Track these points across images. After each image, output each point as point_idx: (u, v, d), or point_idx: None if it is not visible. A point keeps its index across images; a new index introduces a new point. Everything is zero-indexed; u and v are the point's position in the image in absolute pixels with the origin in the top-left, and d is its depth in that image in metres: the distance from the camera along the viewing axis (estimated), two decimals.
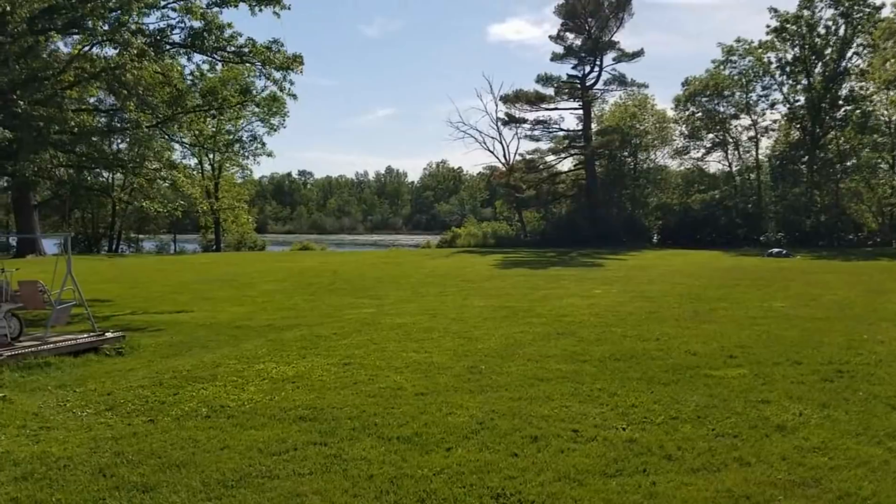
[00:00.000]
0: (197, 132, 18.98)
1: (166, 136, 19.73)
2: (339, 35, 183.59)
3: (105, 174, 36.39)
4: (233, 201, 55.00)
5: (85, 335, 11.93)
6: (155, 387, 8.95)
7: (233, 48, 18.37)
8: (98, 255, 44.55)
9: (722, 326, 13.46)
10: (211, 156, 54.81)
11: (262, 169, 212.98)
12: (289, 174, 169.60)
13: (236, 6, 21.24)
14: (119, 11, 18.05)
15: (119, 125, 15.02)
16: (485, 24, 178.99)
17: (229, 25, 18.90)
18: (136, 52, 15.97)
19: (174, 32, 18.05)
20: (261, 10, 21.54)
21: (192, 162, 55.44)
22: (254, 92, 18.90)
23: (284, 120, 54.99)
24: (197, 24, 18.15)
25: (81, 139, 17.11)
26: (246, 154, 55.87)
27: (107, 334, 12.05)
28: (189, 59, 19.06)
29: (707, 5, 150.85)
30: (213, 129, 52.85)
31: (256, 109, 54.66)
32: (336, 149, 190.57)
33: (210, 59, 18.70)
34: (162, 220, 53.57)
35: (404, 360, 10.47)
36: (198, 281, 25.65)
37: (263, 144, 54.46)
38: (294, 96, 19.80)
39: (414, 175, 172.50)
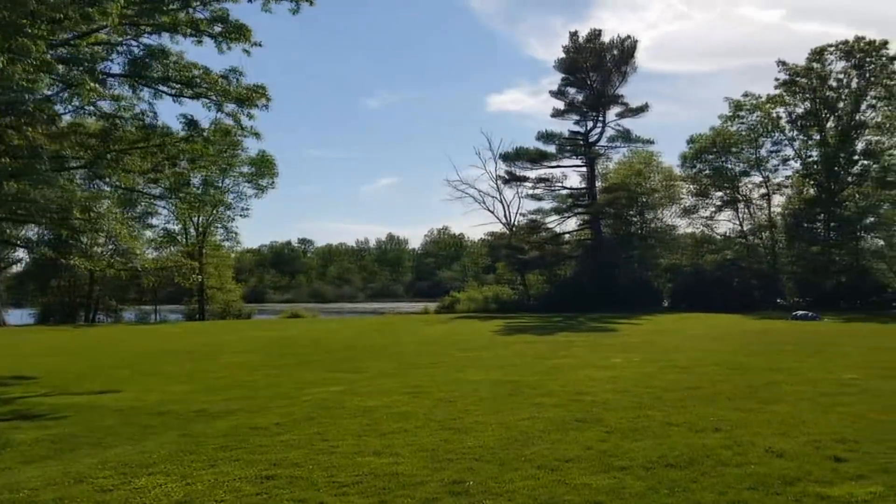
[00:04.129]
0: (133, 173, 15.98)
1: (96, 179, 16.78)
2: (340, 107, 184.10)
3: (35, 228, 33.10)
4: (218, 268, 52.05)
5: None
6: None
7: (180, 78, 15.54)
8: (65, 326, 41.26)
9: (795, 408, 10.16)
10: (196, 219, 52.05)
11: (259, 232, 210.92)
12: (288, 243, 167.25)
13: (199, 42, 18.56)
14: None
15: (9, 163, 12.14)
16: (484, 94, 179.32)
17: (177, 54, 16.11)
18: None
19: (113, 60, 15.37)
20: (229, 48, 18.81)
21: (177, 227, 52.82)
22: (202, 126, 15.90)
23: (273, 181, 52.55)
24: (137, 50, 15.44)
25: None
26: (232, 216, 53.24)
27: None
28: (135, 93, 16.26)
29: (706, 74, 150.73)
30: (198, 187, 50.75)
31: (246, 170, 52.45)
32: (337, 217, 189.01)
33: (155, 90, 15.86)
34: (143, 289, 50.56)
35: (356, 469, 7.18)
36: (155, 353, 22.35)
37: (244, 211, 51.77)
38: (257, 135, 16.88)
39: (415, 242, 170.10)
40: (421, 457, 7.63)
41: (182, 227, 52.59)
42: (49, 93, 16.23)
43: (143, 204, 48.34)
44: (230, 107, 15.93)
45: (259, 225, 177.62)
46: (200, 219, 52.34)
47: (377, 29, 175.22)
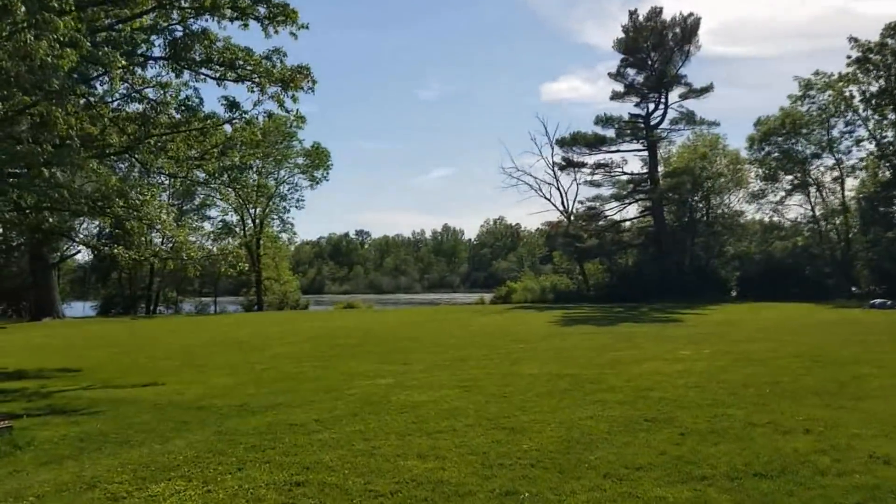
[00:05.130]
0: (180, 158, 15.42)
1: (139, 164, 16.32)
2: (395, 99, 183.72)
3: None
4: (275, 259, 52.14)
5: None
6: None
7: (222, 60, 14.93)
8: (123, 318, 41.66)
9: (891, 405, 9.00)
10: (253, 211, 52.18)
11: (317, 224, 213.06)
12: (346, 234, 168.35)
13: (245, 25, 17.97)
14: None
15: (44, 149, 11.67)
16: (538, 83, 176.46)
17: (220, 38, 15.49)
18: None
19: (154, 43, 14.86)
20: (276, 32, 18.18)
21: (234, 218, 53.02)
22: (244, 108, 15.30)
23: (328, 172, 52.27)
24: (178, 32, 14.89)
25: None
26: (287, 207, 53.25)
27: None
28: (178, 76, 15.74)
29: (769, 57, 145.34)
30: (254, 182, 50.85)
31: (300, 162, 52.32)
32: (393, 209, 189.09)
33: (196, 73, 15.31)
34: (204, 281, 50.98)
35: (396, 476, 6.37)
36: (206, 344, 22.01)
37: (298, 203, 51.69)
38: (302, 118, 16.23)
39: (471, 233, 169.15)
40: (469, 461, 6.78)
41: (240, 219, 52.80)
42: (87, 76, 15.90)
43: (201, 195, 48.72)
44: (273, 89, 15.23)
45: (317, 217, 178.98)
46: (257, 210, 52.44)
47: (431, 20, 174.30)
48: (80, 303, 51.99)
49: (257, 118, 15.65)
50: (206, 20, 17.85)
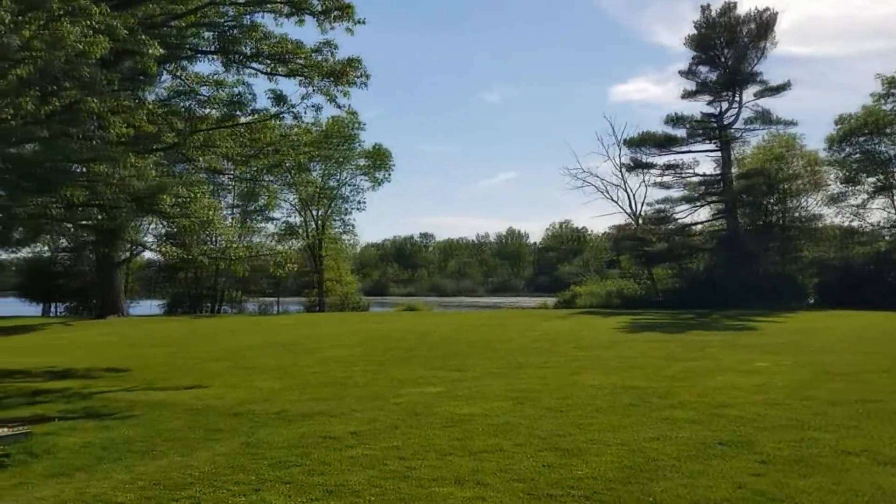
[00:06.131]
0: (230, 155, 14.99)
1: (185, 160, 15.94)
2: (459, 103, 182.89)
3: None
4: (336, 260, 52.03)
5: None
6: None
7: (273, 53, 14.43)
8: (186, 317, 42.01)
9: None
10: (315, 212, 52.19)
11: (382, 227, 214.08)
12: (410, 237, 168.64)
13: (301, 21, 17.49)
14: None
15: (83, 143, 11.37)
16: (607, 85, 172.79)
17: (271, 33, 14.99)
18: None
19: (203, 37, 14.44)
20: (332, 28, 17.66)
21: (297, 219, 53.15)
22: (291, 100, 14.80)
23: (389, 173, 51.91)
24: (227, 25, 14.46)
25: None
26: (349, 209, 53.08)
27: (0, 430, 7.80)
28: (227, 71, 15.35)
29: (846, 57, 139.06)
30: (318, 183, 50.87)
31: (362, 163, 52.11)
32: (457, 213, 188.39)
33: (245, 66, 14.86)
34: (267, 281, 51.20)
35: None
36: (258, 345, 21.63)
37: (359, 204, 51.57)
38: (354, 114, 15.66)
39: (535, 236, 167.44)
40: (514, 490, 5.92)
41: (303, 221, 52.88)
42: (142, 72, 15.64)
43: (265, 196, 48.92)
44: (323, 83, 14.64)
45: (382, 220, 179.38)
46: (319, 212, 52.46)
47: (495, 22, 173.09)
48: (149, 301, 52.82)
49: (305, 113, 15.08)
50: (262, 17, 17.53)
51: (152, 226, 42.98)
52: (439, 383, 12.71)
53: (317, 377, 14.17)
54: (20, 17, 10.51)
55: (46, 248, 46.13)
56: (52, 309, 46.84)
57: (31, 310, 46.73)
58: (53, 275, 45.92)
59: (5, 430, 7.81)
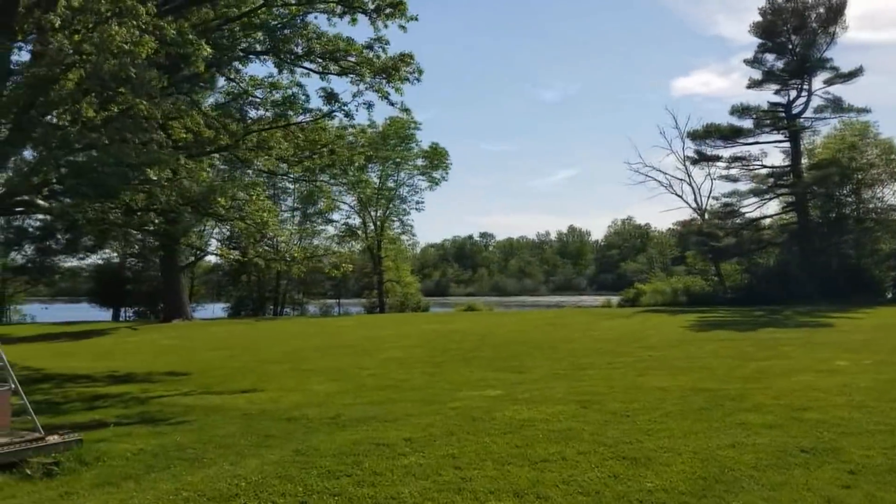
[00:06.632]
0: (284, 156, 14.87)
1: (240, 162, 15.88)
2: (516, 101, 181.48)
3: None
4: (395, 261, 52.01)
5: (16, 439, 7.62)
6: None
7: (324, 52, 14.23)
8: (249, 319, 42.44)
9: None
10: (374, 213, 52.28)
11: (442, 227, 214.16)
12: (470, 237, 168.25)
13: (354, 20, 17.28)
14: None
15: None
16: (668, 78, 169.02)
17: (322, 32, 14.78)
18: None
19: (255, 38, 14.34)
20: (385, 26, 17.40)
21: (356, 221, 53.31)
22: (342, 99, 14.58)
23: (446, 172, 51.64)
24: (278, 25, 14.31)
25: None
26: (407, 210, 53.03)
27: (50, 438, 7.68)
28: (280, 72, 15.23)
29: None
30: (376, 185, 50.95)
31: (419, 163, 51.99)
32: (517, 211, 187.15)
33: (297, 66, 14.70)
34: (328, 283, 51.53)
35: None
36: (317, 347, 21.54)
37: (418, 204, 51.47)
38: (407, 110, 15.29)
39: (597, 234, 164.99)
40: None
41: (362, 222, 53.00)
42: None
43: (324, 200, 49.21)
44: (374, 79, 14.38)
45: (441, 220, 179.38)
46: (378, 213, 52.52)
47: (552, 17, 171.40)
48: (214, 304, 53.69)
49: (357, 111, 14.84)
50: (315, 17, 17.40)
51: (215, 230, 43.68)
52: (499, 386, 12.30)
53: (374, 380, 13.91)
54: (73, 20, 10.54)
55: (116, 254, 47.35)
56: (122, 314, 48.00)
57: (103, 315, 47.97)
58: (123, 280, 47.04)
59: (56, 437, 7.70)
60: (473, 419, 9.08)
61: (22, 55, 13.21)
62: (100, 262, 47.55)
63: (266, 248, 18.44)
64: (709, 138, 46.61)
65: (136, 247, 43.86)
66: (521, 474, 6.38)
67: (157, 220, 14.81)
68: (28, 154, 13.46)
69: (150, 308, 46.42)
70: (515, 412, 9.49)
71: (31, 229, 34.71)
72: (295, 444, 8.09)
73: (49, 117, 13.87)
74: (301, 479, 6.44)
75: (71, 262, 44.93)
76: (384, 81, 14.47)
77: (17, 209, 16.10)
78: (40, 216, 26.88)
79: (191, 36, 11.37)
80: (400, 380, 13.74)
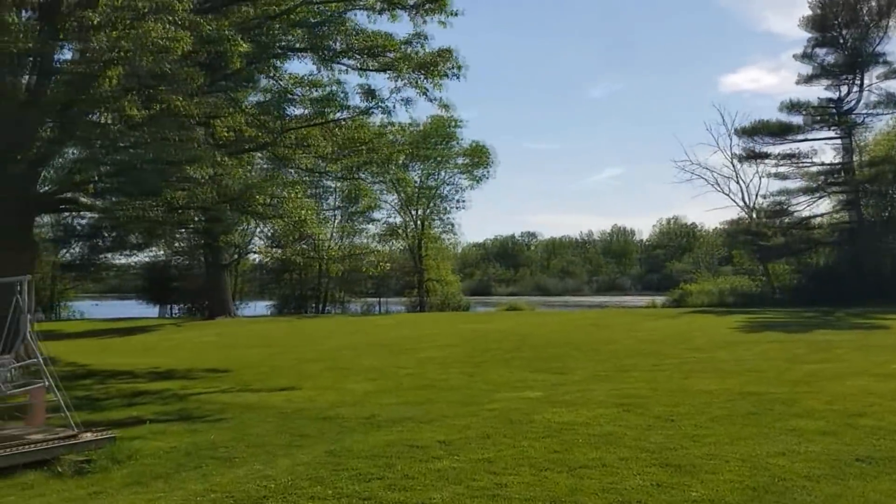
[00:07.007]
0: (323, 154, 14.80)
1: (278, 160, 15.85)
2: (561, 99, 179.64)
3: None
4: (437, 260, 51.86)
5: (50, 436, 7.61)
6: None
7: (363, 48, 14.11)
8: (291, 317, 42.67)
9: None
10: (415, 212, 52.22)
11: (484, 226, 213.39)
12: (512, 236, 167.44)
13: (393, 17, 17.13)
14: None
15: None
16: (716, 75, 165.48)
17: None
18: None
19: (294, 35, 14.28)
20: (424, 22, 17.23)
21: (398, 220, 53.37)
22: (381, 95, 14.45)
23: (489, 170, 51.38)
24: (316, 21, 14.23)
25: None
26: (448, 209, 52.86)
27: (83, 436, 7.66)
28: (320, 70, 15.15)
29: None
30: (416, 183, 50.97)
31: (461, 162, 51.80)
32: (560, 211, 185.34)
33: (336, 63, 14.60)
34: (370, 281, 51.60)
35: None
36: (357, 345, 21.48)
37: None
38: (446, 106, 15.09)
39: (643, 233, 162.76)
40: None
41: (403, 221, 53.03)
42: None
43: (364, 198, 49.32)
44: (414, 75, 14.22)
45: (484, 220, 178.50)
46: (419, 212, 52.48)
47: (598, 14, 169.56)
48: (258, 302, 54.19)
49: (395, 107, 14.71)
50: (355, 14, 17.30)
51: (258, 228, 44.05)
52: (538, 387, 12.03)
53: (411, 379, 13.75)
54: (113, 17, 10.57)
55: (163, 252, 48.06)
56: (169, 310, 48.73)
57: (150, 311, 48.77)
58: (170, 278, 47.74)
59: (89, 434, 7.67)
60: (511, 422, 8.83)
61: (65, 54, 13.39)
62: (147, 259, 48.38)
63: (304, 246, 18.41)
64: (758, 135, 45.50)
65: (181, 244, 44.41)
66: (558, 481, 6.12)
67: (197, 218, 14.87)
68: (71, 152, 13.59)
69: (195, 305, 47.03)
70: (555, 415, 9.22)
71: (78, 227, 35.39)
72: (328, 444, 7.95)
73: (93, 116, 14.04)
74: (331, 482, 6.27)
75: (120, 260, 45.80)
76: (423, 77, 14.33)
77: (62, 206, 16.31)
78: (88, 214, 27.33)
79: (227, 32, 11.36)
80: (437, 380, 13.55)
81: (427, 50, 14.54)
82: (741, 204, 50.29)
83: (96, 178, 13.41)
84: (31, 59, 12.10)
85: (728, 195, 51.58)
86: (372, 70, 15.02)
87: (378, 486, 6.09)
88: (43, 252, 37.14)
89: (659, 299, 50.05)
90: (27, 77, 12.70)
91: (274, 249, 15.17)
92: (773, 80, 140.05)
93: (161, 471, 7.04)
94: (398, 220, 53.54)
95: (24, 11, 12.46)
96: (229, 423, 9.67)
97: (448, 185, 52.89)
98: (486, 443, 7.67)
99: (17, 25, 11.44)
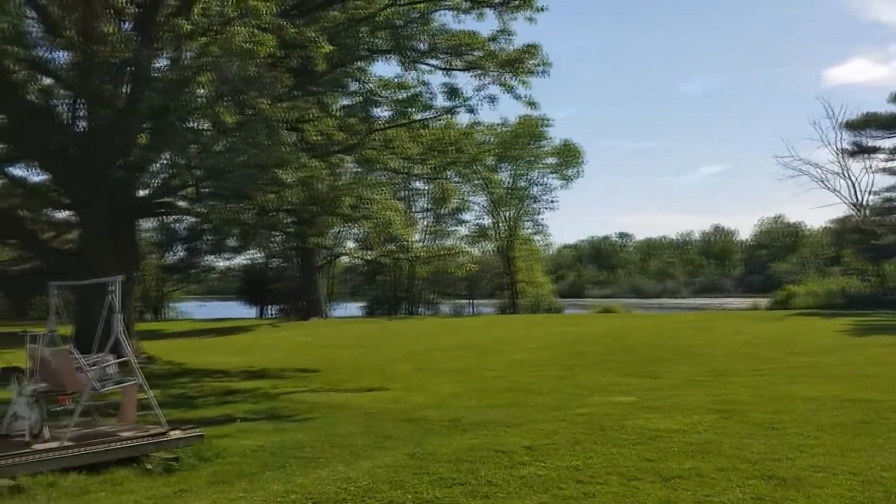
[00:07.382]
0: (408, 154, 14.76)
1: (366, 162, 15.89)
2: (657, 97, 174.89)
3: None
4: (528, 262, 51.41)
5: (139, 434, 7.77)
6: None
7: (448, 47, 13.99)
8: (383, 318, 43.10)
9: None
10: (505, 213, 51.92)
11: (577, 227, 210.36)
12: (606, 237, 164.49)
13: (480, 16, 16.97)
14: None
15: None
16: (819, 68, 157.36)
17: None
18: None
19: (376, 35, 14.29)
20: (512, 19, 16.99)
21: (487, 221, 53.17)
22: (464, 94, 14.28)
23: (579, 170, 50.59)
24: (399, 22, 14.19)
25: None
26: (539, 209, 52.37)
27: (172, 433, 7.78)
28: (406, 71, 15.13)
29: None
30: (506, 184, 50.63)
31: (551, 161, 51.17)
32: (657, 210, 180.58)
33: (420, 63, 14.52)
34: (461, 283, 51.62)
35: None
36: (445, 347, 21.41)
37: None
38: (532, 104, 14.77)
39: (744, 233, 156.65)
40: None
41: (494, 222, 52.84)
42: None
43: (456, 200, 49.38)
44: (498, 73, 14.00)
45: (577, 221, 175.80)
46: (509, 213, 52.16)
47: (693, 9, 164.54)
48: (350, 304, 55.12)
49: (480, 105, 14.52)
50: (443, 14, 17.22)
51: (350, 231, 44.76)
52: (632, 392, 11.58)
53: (499, 382, 13.52)
54: (205, 25, 10.81)
55: (259, 254, 49.57)
56: (266, 311, 50.17)
57: (250, 312, 50.34)
58: (267, 279, 49.15)
59: (178, 432, 7.79)
60: (601, 427, 8.47)
61: (160, 62, 13.86)
62: (245, 262, 50.01)
63: (392, 247, 18.56)
64: (867, 128, 43.21)
65: (276, 247, 45.65)
66: (650, 492, 5.76)
67: (287, 220, 15.13)
68: (166, 158, 14.02)
69: (290, 306, 48.24)
70: (648, 421, 8.79)
71: (179, 231, 36.91)
72: (411, 446, 7.81)
73: (188, 122, 14.45)
74: (412, 486, 6.11)
75: (220, 263, 47.58)
76: (509, 75, 14.09)
77: (160, 211, 16.88)
78: (188, 218, 28.36)
79: (311, 34, 11.45)
80: (526, 382, 13.27)
81: (513, 47, 14.31)
82: (850, 201, 47.74)
83: (191, 182, 13.77)
84: (129, 68, 12.55)
85: (835, 192, 49.04)
86: (457, 69, 14.90)
87: (459, 492, 5.89)
88: (149, 255, 38.90)
89: (762, 301, 48.04)
90: (126, 86, 13.21)
91: (363, 251, 15.30)
92: (881, 72, 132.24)
93: (246, 470, 7.06)
94: (488, 221, 53.45)
95: (122, 23, 12.94)
96: (316, 422, 9.70)
97: (538, 185, 52.47)
98: (574, 449, 7.35)
99: (116, 36, 11.88)
